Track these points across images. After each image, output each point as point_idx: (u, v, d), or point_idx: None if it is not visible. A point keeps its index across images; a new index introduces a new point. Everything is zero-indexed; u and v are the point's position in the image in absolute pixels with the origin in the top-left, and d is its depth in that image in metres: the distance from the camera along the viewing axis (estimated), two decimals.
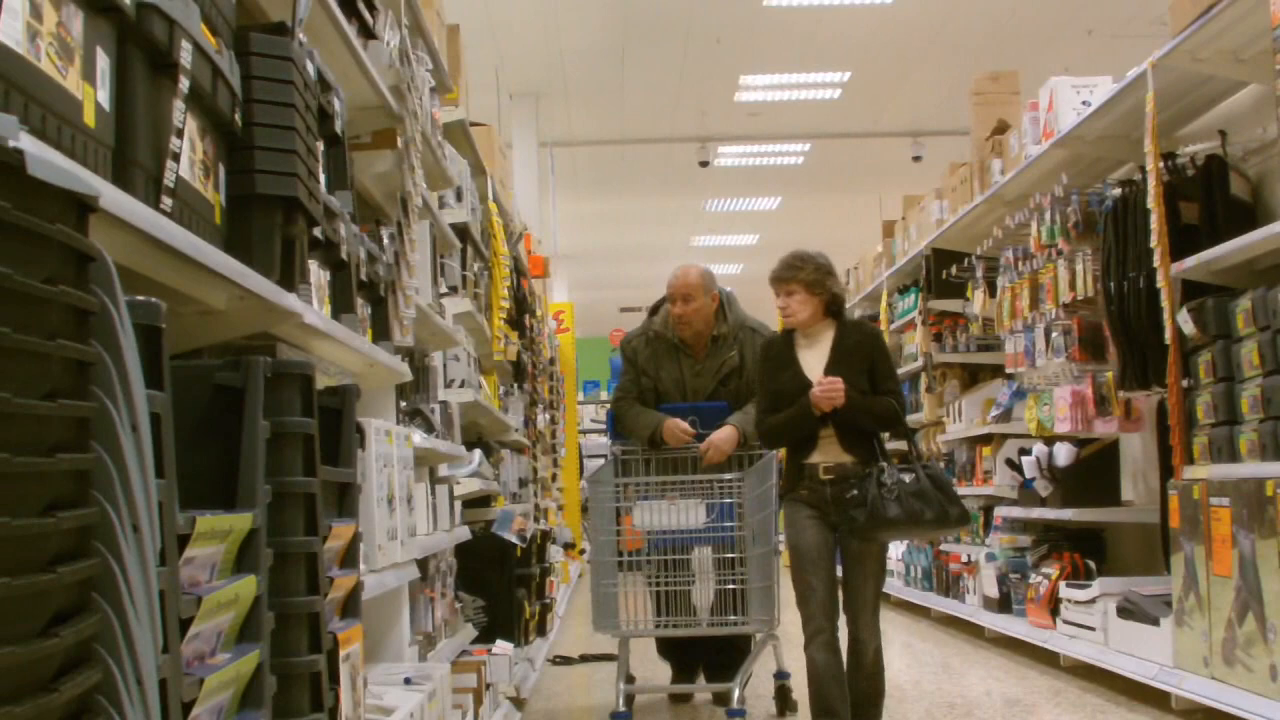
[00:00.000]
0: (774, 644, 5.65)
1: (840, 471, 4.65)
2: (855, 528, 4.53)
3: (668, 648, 6.05)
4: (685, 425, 5.49)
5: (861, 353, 4.77)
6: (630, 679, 5.42)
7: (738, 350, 5.66)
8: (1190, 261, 5.37)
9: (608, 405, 6.01)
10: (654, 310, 5.88)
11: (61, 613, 1.27)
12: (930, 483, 4.53)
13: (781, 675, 5.69)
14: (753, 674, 5.78)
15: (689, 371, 5.69)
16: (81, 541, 1.33)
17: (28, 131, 1.38)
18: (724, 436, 5.47)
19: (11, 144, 1.20)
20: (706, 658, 5.88)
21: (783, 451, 4.92)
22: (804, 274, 4.77)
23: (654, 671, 6.51)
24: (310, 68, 2.67)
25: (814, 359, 4.78)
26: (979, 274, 8.53)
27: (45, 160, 1.27)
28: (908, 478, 4.53)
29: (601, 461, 5.85)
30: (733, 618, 5.36)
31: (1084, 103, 6.71)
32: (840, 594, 4.71)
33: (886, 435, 4.89)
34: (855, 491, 4.54)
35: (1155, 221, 5.53)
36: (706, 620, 5.48)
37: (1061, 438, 7.30)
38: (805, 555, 4.64)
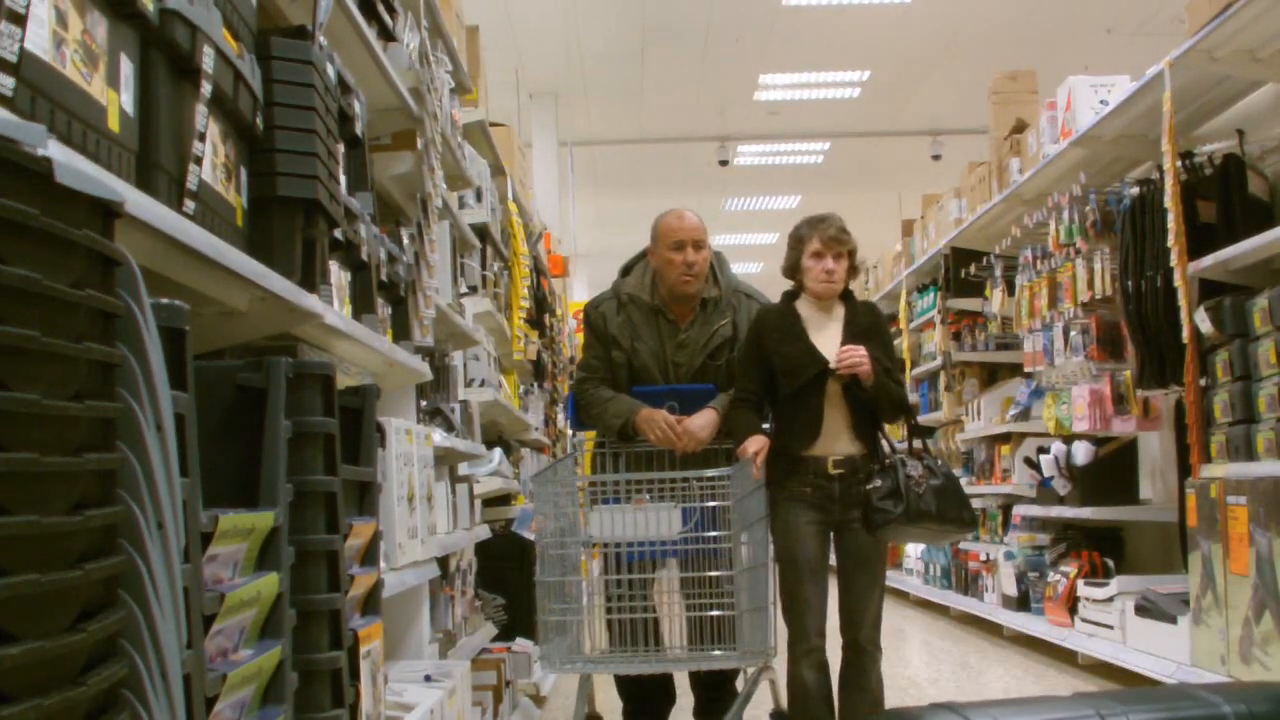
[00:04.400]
0: (770, 679, 4.33)
1: (850, 466, 4.17)
2: (885, 520, 4.01)
3: (626, 684, 4.75)
4: (666, 414, 4.45)
5: (875, 335, 4.33)
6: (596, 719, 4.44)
7: (731, 318, 4.62)
8: (1207, 260, 5.36)
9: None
10: (626, 270, 4.82)
11: (88, 608, 1.29)
12: (947, 481, 4.10)
13: (779, 716, 4.39)
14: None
15: (671, 342, 4.63)
16: (108, 539, 1.35)
17: (55, 139, 1.40)
18: (700, 423, 4.42)
19: (40, 152, 1.22)
20: (698, 696, 4.75)
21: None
22: (852, 247, 4.35)
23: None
24: (330, 71, 2.70)
25: (825, 338, 4.28)
26: (997, 273, 8.53)
27: (72, 168, 1.29)
28: (923, 472, 4.06)
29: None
30: (717, 651, 4.10)
31: (1102, 102, 6.72)
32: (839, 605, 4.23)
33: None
34: (879, 482, 4.03)
35: (1173, 220, 5.53)
36: (683, 653, 4.24)
37: (1080, 436, 7.30)
38: (804, 566, 4.15)
